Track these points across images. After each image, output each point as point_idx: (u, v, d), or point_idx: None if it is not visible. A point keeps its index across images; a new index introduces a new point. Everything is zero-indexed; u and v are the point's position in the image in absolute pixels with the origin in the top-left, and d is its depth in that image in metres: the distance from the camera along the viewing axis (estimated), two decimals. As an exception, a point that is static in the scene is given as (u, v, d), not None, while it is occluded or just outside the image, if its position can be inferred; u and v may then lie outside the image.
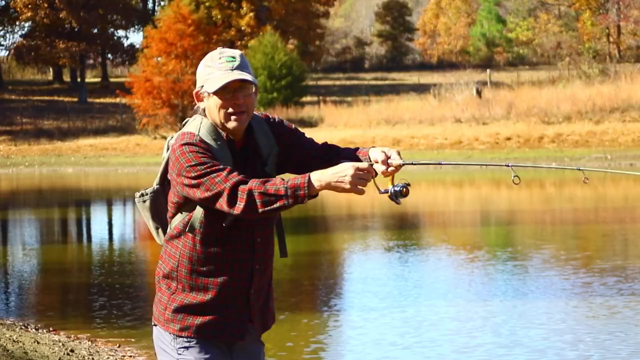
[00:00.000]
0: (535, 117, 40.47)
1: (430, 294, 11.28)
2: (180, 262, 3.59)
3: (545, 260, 13.55)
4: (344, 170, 3.36)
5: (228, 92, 3.51)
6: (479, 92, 45.68)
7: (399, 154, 3.53)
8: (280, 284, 12.32)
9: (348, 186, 3.36)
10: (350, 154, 3.65)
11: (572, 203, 23.04)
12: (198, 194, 3.46)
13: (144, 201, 3.76)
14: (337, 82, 66.44)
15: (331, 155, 3.68)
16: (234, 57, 3.55)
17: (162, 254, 3.70)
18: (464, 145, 38.80)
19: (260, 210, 3.37)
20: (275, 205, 3.36)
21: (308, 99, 54.43)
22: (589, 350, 8.34)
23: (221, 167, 3.46)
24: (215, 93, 3.51)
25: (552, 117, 40.16)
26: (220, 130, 3.58)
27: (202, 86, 3.57)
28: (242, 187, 3.39)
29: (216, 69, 3.54)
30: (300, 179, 3.37)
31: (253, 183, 3.39)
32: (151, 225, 3.79)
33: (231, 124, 3.55)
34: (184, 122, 3.71)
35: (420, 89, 54.53)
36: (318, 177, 3.37)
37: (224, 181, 3.41)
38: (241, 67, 3.54)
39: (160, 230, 3.78)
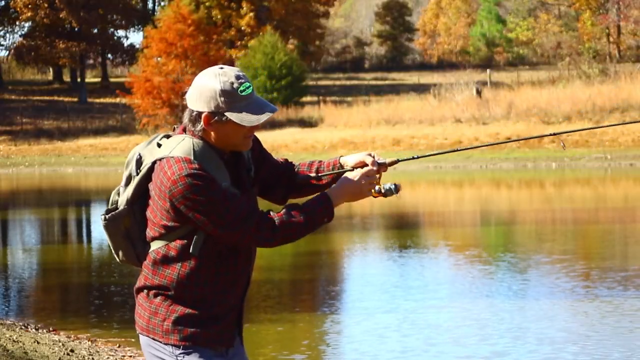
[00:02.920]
0: (535, 117, 40.48)
1: (430, 295, 11.27)
2: (179, 282, 3.53)
3: (545, 261, 13.54)
4: (354, 180, 3.66)
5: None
6: (479, 92, 45.67)
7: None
8: (280, 284, 12.34)
9: (365, 194, 3.68)
10: (308, 170, 3.87)
11: (572, 203, 23.04)
12: (214, 230, 3.47)
13: (113, 220, 3.62)
14: (337, 82, 66.44)
15: (291, 172, 3.86)
16: (249, 83, 3.53)
17: (148, 273, 3.59)
18: (464, 145, 38.80)
19: (294, 239, 3.58)
20: (306, 232, 3.59)
21: (308, 99, 54.43)
22: (590, 351, 8.34)
23: (234, 201, 3.48)
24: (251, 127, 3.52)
25: (552, 117, 40.15)
26: (215, 147, 3.54)
27: (220, 113, 3.48)
28: (268, 222, 3.50)
29: (240, 97, 3.49)
30: (322, 201, 3.62)
31: (282, 216, 3.53)
32: (118, 245, 3.67)
33: (245, 146, 3.59)
34: (161, 139, 3.60)
35: (420, 89, 54.52)
36: (335, 195, 3.65)
37: (245, 219, 3.47)
38: (254, 90, 3.56)
39: (130, 249, 3.66)
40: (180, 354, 3.54)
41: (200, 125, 3.51)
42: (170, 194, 3.44)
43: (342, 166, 3.78)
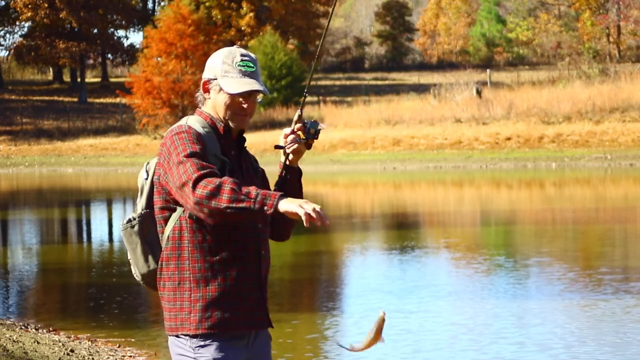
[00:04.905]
0: (535, 117, 40.48)
1: (430, 295, 11.27)
2: (190, 258, 3.63)
3: (545, 261, 13.55)
4: (308, 205, 3.45)
5: (240, 96, 3.71)
6: (479, 92, 45.67)
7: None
8: (280, 284, 12.33)
9: (305, 218, 3.41)
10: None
11: (572, 203, 23.05)
12: (172, 177, 3.54)
13: (133, 226, 3.75)
14: (337, 82, 66.43)
15: None
16: (253, 64, 3.74)
17: (163, 260, 3.70)
18: (464, 145, 38.80)
19: (223, 204, 3.41)
20: (240, 205, 3.41)
21: (308, 99, 54.27)
22: (590, 350, 8.34)
23: (201, 160, 3.54)
24: (230, 94, 3.69)
25: (552, 117, 40.16)
26: (217, 122, 3.74)
27: (216, 79, 3.72)
28: (211, 178, 3.48)
29: (236, 70, 3.71)
30: (273, 193, 3.48)
31: (227, 178, 3.49)
32: (139, 252, 3.76)
33: (234, 123, 3.74)
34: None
35: (420, 89, 54.53)
36: (288, 199, 3.44)
37: (197, 170, 3.50)
38: (257, 75, 3.74)
39: (150, 256, 3.77)
40: (197, 347, 3.63)
41: (200, 91, 3.79)
42: (158, 155, 3.65)
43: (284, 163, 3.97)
